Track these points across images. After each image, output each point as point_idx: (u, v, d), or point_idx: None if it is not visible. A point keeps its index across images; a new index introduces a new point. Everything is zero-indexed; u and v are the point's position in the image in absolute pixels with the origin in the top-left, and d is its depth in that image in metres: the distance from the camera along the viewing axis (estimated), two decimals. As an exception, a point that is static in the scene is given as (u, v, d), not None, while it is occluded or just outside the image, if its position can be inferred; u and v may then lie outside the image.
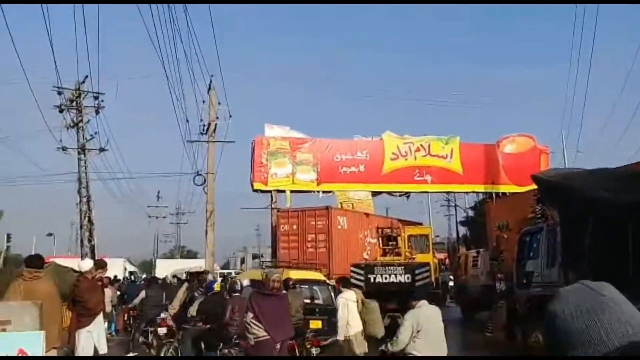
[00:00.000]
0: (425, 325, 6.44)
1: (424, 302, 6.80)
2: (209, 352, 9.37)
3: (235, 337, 8.76)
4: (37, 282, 6.45)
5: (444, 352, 6.64)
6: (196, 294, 12.36)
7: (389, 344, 6.63)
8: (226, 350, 8.99)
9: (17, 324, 5.23)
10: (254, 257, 69.68)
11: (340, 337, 8.46)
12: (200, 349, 9.52)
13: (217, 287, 12.43)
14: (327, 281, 14.14)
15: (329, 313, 11.63)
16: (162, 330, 10.48)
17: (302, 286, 12.25)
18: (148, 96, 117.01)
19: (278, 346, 5.76)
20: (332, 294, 12.51)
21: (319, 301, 12.55)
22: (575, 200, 10.33)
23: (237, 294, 9.87)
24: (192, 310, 11.06)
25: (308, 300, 11.99)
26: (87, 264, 8.45)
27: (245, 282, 11.82)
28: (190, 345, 9.92)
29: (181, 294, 12.25)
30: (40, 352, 5.13)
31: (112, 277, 22.14)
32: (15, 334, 5.16)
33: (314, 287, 13.01)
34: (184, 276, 24.30)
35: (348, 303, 8.70)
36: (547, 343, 1.20)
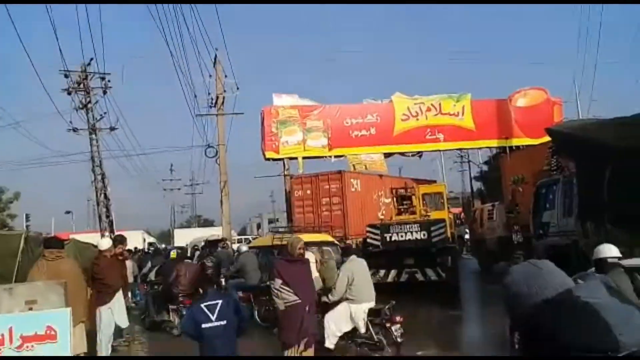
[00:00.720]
0: (357, 276, 7.90)
1: (354, 257, 8.37)
2: (162, 308, 11.20)
3: (180, 295, 10.67)
4: (61, 261, 6.57)
5: (372, 295, 8.08)
6: (206, 262, 13.53)
7: (329, 295, 8.09)
8: (174, 306, 10.83)
9: (43, 302, 5.37)
10: (270, 222, 70.35)
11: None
12: (158, 307, 11.34)
13: (173, 255, 13.31)
14: (335, 242, 14.81)
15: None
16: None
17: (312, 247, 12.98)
18: (154, 74, 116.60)
19: (307, 308, 5.95)
20: (339, 254, 13.49)
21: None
22: (592, 151, 10.23)
23: (188, 260, 11.86)
24: (152, 275, 13.49)
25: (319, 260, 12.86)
26: (105, 243, 8.63)
27: (244, 248, 13.49)
28: (151, 304, 11.86)
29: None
30: (68, 328, 5.26)
31: (133, 249, 22.53)
32: (43, 312, 5.30)
33: (324, 248, 13.44)
34: (202, 244, 24.67)
35: None
36: (504, 305, 1.69)
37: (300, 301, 5.89)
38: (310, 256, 9.61)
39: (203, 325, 5.02)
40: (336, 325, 7.89)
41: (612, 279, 4.18)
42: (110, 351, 8.04)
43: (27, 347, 5.15)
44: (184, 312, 10.02)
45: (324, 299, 8.17)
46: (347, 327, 7.98)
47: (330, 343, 7.87)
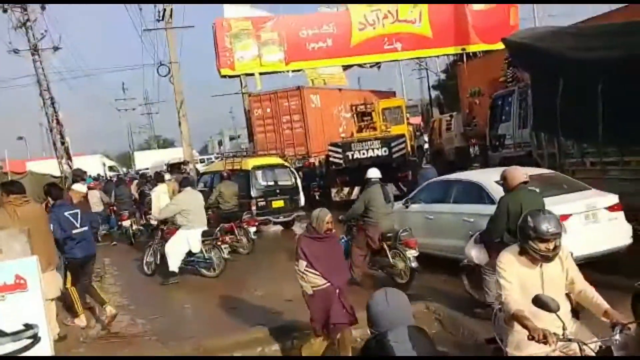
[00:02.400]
0: (189, 206, 9.09)
1: (188, 189, 9.58)
2: None
3: None
4: (28, 206, 6.34)
5: (204, 221, 9.45)
6: (146, 189, 14.02)
7: (155, 214, 9.79)
8: None
9: (8, 252, 5.26)
10: (231, 138, 69.80)
11: (153, 220, 10.50)
12: None
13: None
14: (286, 164, 15.14)
15: (290, 192, 13.81)
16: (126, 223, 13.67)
17: (265, 170, 13.85)
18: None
19: (337, 291, 5.22)
20: (293, 176, 14.35)
21: (281, 183, 13.89)
22: (546, 61, 10.33)
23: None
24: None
25: (272, 183, 13.72)
26: (77, 187, 8.41)
27: (167, 177, 14.09)
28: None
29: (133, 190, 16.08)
30: (37, 275, 5.25)
31: (96, 176, 22.22)
32: (10, 262, 5.21)
33: (276, 171, 14.10)
34: (164, 168, 24.52)
35: (160, 194, 10.97)
36: (368, 321, 2.61)
37: (329, 284, 5.19)
38: (163, 187, 11.24)
39: (73, 231, 6.71)
40: (176, 250, 9.11)
41: (373, 189, 7.90)
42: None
43: (-1, 297, 5.16)
44: None
45: (152, 219, 10.06)
46: (185, 250, 9.17)
47: (174, 267, 9.08)
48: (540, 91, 10.70)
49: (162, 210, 9.51)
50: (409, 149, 16.61)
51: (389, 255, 7.61)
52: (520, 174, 5.67)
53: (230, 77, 27.11)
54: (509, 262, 3.39)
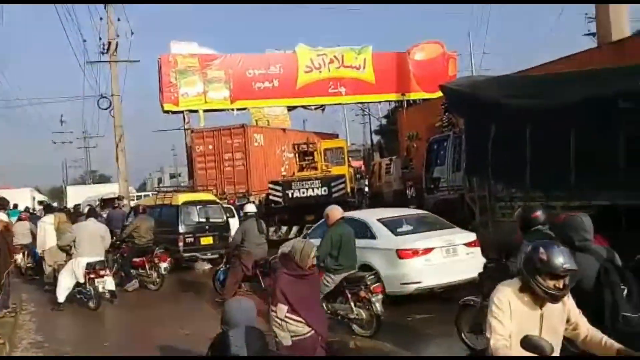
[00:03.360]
0: (80, 236, 9.37)
1: (91, 219, 9.98)
2: None
3: None
4: None
5: (96, 251, 9.35)
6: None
7: (39, 246, 10.40)
8: None
9: None
10: (172, 176, 68.34)
11: (39, 250, 10.92)
12: None
13: None
14: (218, 201, 15.12)
15: (220, 229, 13.62)
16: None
17: (195, 206, 13.69)
18: (36, 14, 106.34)
19: (320, 339, 4.38)
20: (224, 213, 14.23)
21: (212, 219, 13.75)
22: (479, 108, 10.80)
23: None
24: None
25: (203, 220, 13.59)
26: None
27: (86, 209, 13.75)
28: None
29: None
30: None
31: (24, 209, 21.14)
32: None
33: (207, 207, 14.02)
34: (97, 203, 23.65)
35: (45, 226, 10.98)
36: (221, 319, 3.45)
37: (313, 332, 4.29)
38: (50, 218, 11.05)
39: None
40: (63, 280, 9.34)
41: (249, 222, 9.14)
42: None
43: None
44: None
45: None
46: (72, 280, 9.33)
47: (60, 297, 9.25)
48: (473, 136, 11.11)
49: (62, 238, 9.85)
50: (349, 190, 16.74)
51: (262, 281, 8.79)
52: (339, 212, 7.21)
53: (173, 112, 26.81)
54: (507, 299, 2.84)
